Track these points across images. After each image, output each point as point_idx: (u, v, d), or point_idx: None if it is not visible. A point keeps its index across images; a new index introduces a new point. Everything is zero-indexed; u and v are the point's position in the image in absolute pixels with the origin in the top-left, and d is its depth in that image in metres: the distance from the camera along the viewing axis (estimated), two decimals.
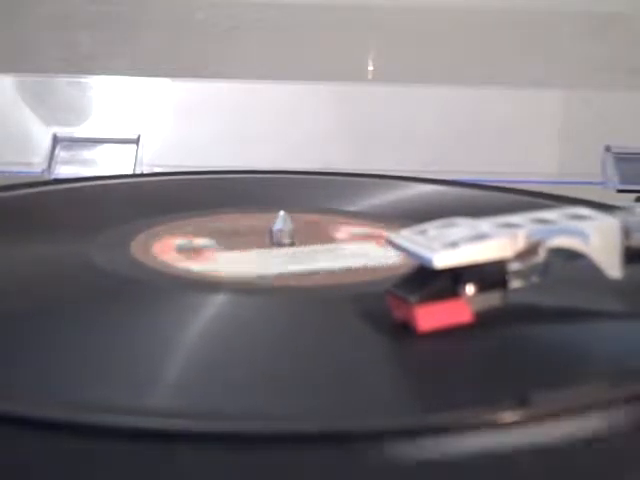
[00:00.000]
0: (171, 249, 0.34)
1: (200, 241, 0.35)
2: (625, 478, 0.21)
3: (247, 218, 0.39)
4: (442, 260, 0.25)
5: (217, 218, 0.39)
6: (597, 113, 0.57)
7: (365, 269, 0.33)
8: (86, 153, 0.55)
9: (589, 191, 0.52)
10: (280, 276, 0.32)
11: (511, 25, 0.61)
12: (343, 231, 0.38)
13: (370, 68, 0.62)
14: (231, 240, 0.36)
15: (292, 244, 0.35)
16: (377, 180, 0.48)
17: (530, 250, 0.26)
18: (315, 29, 0.62)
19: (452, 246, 0.26)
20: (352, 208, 0.42)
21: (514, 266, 0.26)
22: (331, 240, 0.36)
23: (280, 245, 0.35)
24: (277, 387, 0.24)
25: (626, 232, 0.27)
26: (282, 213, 0.36)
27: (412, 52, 0.61)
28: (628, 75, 0.60)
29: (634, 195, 0.53)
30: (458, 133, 0.57)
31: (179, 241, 0.35)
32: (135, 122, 0.57)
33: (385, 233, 0.32)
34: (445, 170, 0.53)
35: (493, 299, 0.26)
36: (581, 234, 0.26)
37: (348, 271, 0.32)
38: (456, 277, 0.26)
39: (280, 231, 0.35)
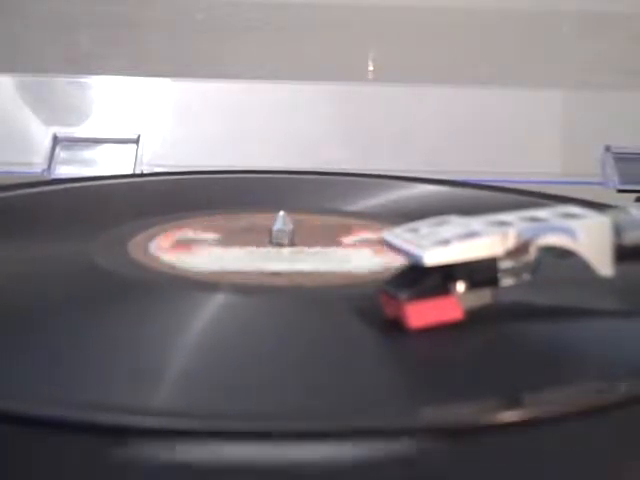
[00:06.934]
0: (168, 246, 0.35)
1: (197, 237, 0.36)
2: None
3: (247, 218, 0.39)
4: (432, 258, 0.25)
5: (217, 218, 0.39)
6: (597, 113, 0.57)
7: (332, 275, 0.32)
8: (86, 153, 0.55)
9: (589, 191, 0.52)
10: (232, 273, 0.32)
11: (511, 25, 0.61)
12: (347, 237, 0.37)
13: (370, 68, 0.62)
14: (230, 239, 0.36)
15: (292, 244, 0.35)
16: (377, 180, 0.48)
17: (521, 248, 0.26)
18: (315, 29, 0.62)
19: (443, 244, 0.26)
20: (352, 208, 0.42)
21: (505, 264, 0.26)
22: (332, 244, 0.36)
23: (280, 245, 0.35)
24: (271, 386, 0.24)
25: (618, 231, 0.27)
26: (282, 213, 0.36)
27: (412, 52, 0.61)
28: (628, 75, 0.60)
29: (634, 195, 0.53)
30: (458, 133, 0.57)
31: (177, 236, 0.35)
32: (135, 122, 0.57)
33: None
34: (445, 170, 0.53)
35: (484, 297, 0.27)
36: (570, 232, 0.26)
37: (315, 275, 0.32)
38: (447, 274, 0.26)
39: (280, 231, 0.35)
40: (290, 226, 0.35)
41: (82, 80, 0.58)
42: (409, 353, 0.26)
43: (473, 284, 0.26)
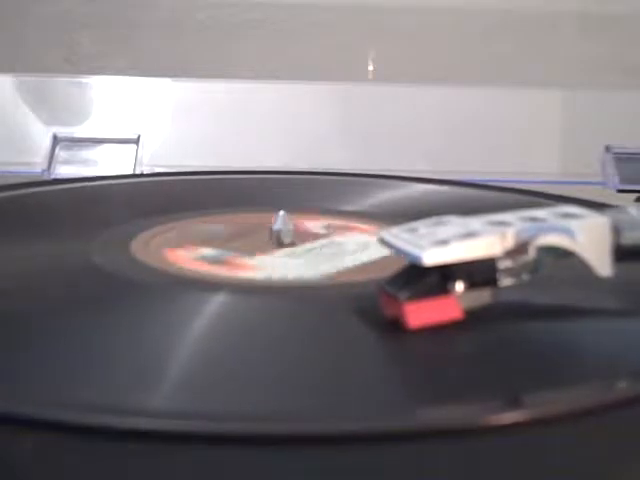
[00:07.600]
0: (189, 257, 0.34)
1: (211, 250, 0.35)
2: None
3: (247, 218, 0.39)
4: (431, 257, 0.25)
5: (217, 218, 0.39)
6: (597, 113, 0.57)
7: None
8: (86, 153, 0.55)
9: (589, 191, 0.52)
10: (338, 274, 0.32)
11: (511, 25, 0.61)
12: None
13: (370, 68, 0.62)
14: (236, 242, 0.36)
15: (292, 244, 0.35)
16: (377, 180, 0.48)
17: (520, 248, 0.26)
18: (315, 29, 0.62)
19: (441, 244, 0.26)
20: (352, 208, 0.42)
21: (504, 264, 0.26)
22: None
23: (280, 245, 0.35)
24: (271, 387, 0.24)
25: (617, 231, 0.27)
26: (282, 213, 0.36)
27: (412, 52, 0.61)
28: (628, 75, 0.60)
29: (634, 195, 0.53)
30: (458, 133, 0.57)
31: (199, 252, 0.35)
32: (135, 122, 0.57)
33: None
34: (445, 170, 0.53)
35: (483, 297, 0.27)
36: (569, 232, 0.26)
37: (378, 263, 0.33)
38: (446, 274, 0.26)
39: (280, 231, 0.35)
40: (290, 226, 0.35)
41: (82, 80, 0.58)
42: (408, 353, 0.26)
43: (472, 284, 0.26)
